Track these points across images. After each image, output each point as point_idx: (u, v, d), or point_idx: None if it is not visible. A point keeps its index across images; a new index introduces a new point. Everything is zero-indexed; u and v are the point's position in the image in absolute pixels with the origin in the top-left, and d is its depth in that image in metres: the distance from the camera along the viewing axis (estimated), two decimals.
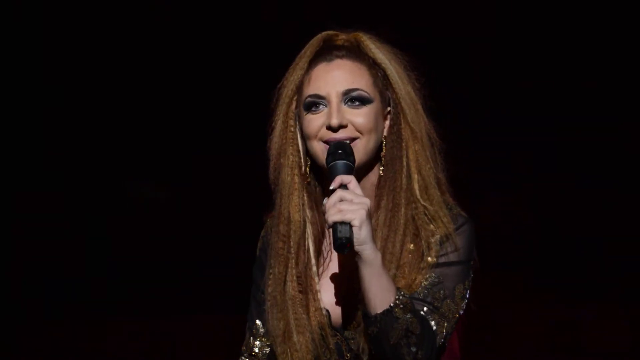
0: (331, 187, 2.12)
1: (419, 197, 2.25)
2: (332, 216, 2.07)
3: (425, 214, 2.26)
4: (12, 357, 6.16)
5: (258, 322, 2.41)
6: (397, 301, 2.12)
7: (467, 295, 2.27)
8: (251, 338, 2.43)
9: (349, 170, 2.16)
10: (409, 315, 2.12)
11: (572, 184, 5.99)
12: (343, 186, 2.12)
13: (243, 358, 2.43)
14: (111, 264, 6.20)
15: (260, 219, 2.49)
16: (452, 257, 2.24)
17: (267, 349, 2.39)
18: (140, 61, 5.88)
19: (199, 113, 6.04)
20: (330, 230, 2.11)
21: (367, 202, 2.10)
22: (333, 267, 2.33)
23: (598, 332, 5.96)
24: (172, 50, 5.85)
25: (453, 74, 5.72)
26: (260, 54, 5.71)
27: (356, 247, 2.09)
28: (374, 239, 2.12)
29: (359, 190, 2.11)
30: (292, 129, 2.29)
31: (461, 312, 2.26)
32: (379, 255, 2.12)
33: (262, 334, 2.40)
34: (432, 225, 2.25)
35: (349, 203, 2.08)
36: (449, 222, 2.25)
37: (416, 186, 2.26)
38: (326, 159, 2.18)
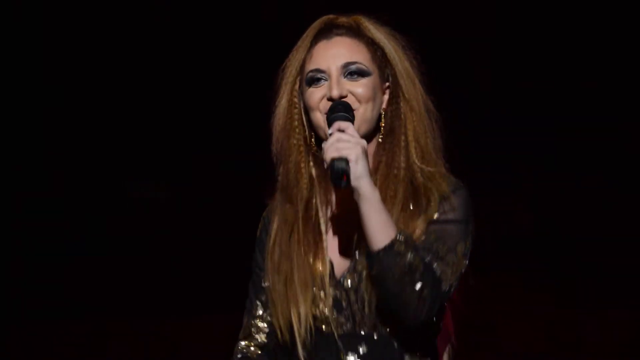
0: (329, 133, 2.23)
1: (415, 159, 2.36)
2: (330, 153, 2.18)
3: (422, 176, 2.35)
4: (12, 357, 6.17)
5: (257, 301, 2.45)
6: (399, 237, 2.19)
7: (468, 256, 2.31)
8: (250, 319, 2.45)
9: (347, 121, 2.27)
10: (411, 253, 2.19)
11: (572, 184, 5.99)
12: (340, 131, 2.23)
13: (240, 342, 2.44)
14: (111, 264, 6.20)
15: (259, 218, 2.50)
16: (452, 216, 2.31)
17: (267, 329, 2.42)
18: (140, 61, 5.88)
19: (199, 113, 6.04)
20: (328, 172, 2.21)
21: (363, 142, 2.21)
22: (338, 229, 2.38)
23: (598, 332, 5.96)
24: (172, 50, 5.85)
25: (453, 74, 5.72)
26: (260, 54, 5.71)
27: (353, 183, 2.18)
28: (371, 176, 2.22)
29: (356, 135, 2.22)
30: (296, 105, 2.39)
31: (463, 270, 2.30)
32: (377, 192, 2.21)
33: (260, 314, 2.43)
34: (430, 185, 2.34)
35: (345, 142, 2.18)
36: (446, 184, 2.34)
37: (413, 151, 2.36)
38: (327, 114, 2.29)
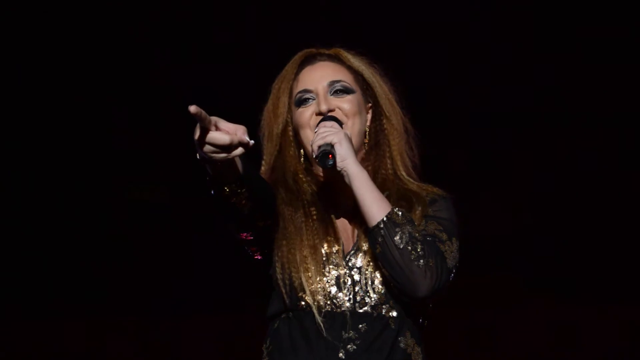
0: (315, 131, 2.42)
1: (401, 170, 2.54)
2: (316, 143, 2.36)
3: (410, 183, 2.53)
4: (11, 357, 6.17)
5: None
6: (396, 210, 2.33)
7: (458, 256, 2.42)
8: None
9: (332, 121, 2.45)
10: (410, 225, 2.31)
11: (572, 184, 5.99)
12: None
13: None
14: (111, 264, 6.20)
15: None
16: (445, 215, 2.46)
17: None
18: (140, 62, 5.88)
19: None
20: (317, 160, 2.37)
21: (346, 131, 2.41)
22: (341, 218, 2.50)
23: (598, 332, 5.96)
24: (172, 51, 5.85)
25: (453, 74, 5.72)
26: (260, 54, 5.72)
27: (339, 164, 2.35)
28: (356, 159, 2.38)
29: (338, 127, 2.41)
30: (290, 124, 2.55)
31: (457, 264, 2.41)
32: (365, 172, 2.37)
33: None
34: (419, 189, 2.51)
35: (328, 130, 2.38)
36: (435, 190, 2.53)
37: (399, 163, 2.54)
38: (317, 126, 2.46)
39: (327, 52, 2.59)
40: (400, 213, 2.32)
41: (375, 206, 2.33)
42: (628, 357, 5.91)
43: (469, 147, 5.85)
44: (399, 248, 2.28)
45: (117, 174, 6.16)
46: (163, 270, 6.18)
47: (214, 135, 2.06)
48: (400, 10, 5.53)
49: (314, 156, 2.37)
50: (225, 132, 2.07)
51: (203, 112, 2.02)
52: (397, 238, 2.29)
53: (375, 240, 2.31)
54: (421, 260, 2.28)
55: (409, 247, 2.28)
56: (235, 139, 2.06)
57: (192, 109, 2.00)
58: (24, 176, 6.05)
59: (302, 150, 2.54)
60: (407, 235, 2.29)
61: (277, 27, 5.58)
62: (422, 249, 2.29)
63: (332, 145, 2.34)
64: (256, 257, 2.45)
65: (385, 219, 2.31)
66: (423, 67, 5.45)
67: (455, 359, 5.86)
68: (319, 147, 2.35)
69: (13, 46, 5.72)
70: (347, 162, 2.35)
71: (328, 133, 2.36)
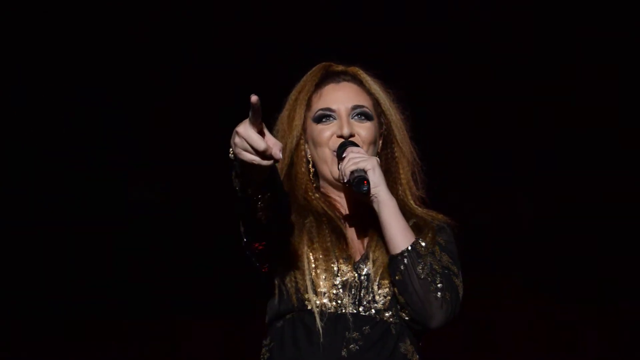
0: (343, 156, 2.45)
1: (409, 197, 2.59)
2: (349, 168, 2.40)
3: (417, 209, 2.58)
4: (12, 357, 6.18)
5: None
6: (420, 241, 2.40)
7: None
8: None
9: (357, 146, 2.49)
10: (431, 257, 2.38)
11: (572, 184, 5.99)
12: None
13: None
14: (110, 265, 6.20)
15: None
16: (452, 247, 2.52)
17: None
18: (139, 63, 5.88)
19: (198, 114, 6.05)
20: (349, 185, 2.41)
21: (376, 157, 2.46)
22: (353, 230, 2.55)
23: (597, 332, 5.97)
24: (171, 51, 5.86)
25: (453, 73, 5.73)
26: (260, 54, 5.72)
27: (372, 190, 2.39)
28: (387, 186, 2.43)
29: (366, 154, 2.46)
30: (303, 138, 2.60)
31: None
32: (394, 199, 2.43)
33: None
34: (425, 215, 2.56)
35: (360, 156, 2.42)
36: (440, 216, 2.58)
37: (407, 192, 2.59)
38: (336, 151, 2.51)
39: (346, 69, 2.62)
40: (423, 244, 2.39)
41: (401, 235, 2.39)
42: (628, 357, 5.91)
43: (469, 147, 5.86)
44: (420, 278, 2.35)
45: (117, 174, 6.16)
46: (162, 270, 6.18)
47: (253, 137, 2.08)
48: (400, 10, 5.54)
49: (345, 181, 2.42)
50: (265, 140, 2.09)
51: (260, 108, 2.05)
52: (419, 268, 2.36)
53: (397, 268, 2.38)
54: (439, 293, 2.36)
55: (429, 279, 2.36)
56: (270, 151, 2.08)
57: (254, 99, 2.03)
58: (23, 176, 6.06)
59: (310, 166, 2.58)
60: (429, 267, 2.37)
61: (277, 28, 5.59)
62: (440, 282, 2.37)
63: (365, 171, 2.39)
64: (263, 270, 2.49)
65: (409, 248, 2.37)
66: (424, 67, 5.46)
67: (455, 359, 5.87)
68: (352, 172, 2.39)
69: (12, 46, 5.73)
70: (379, 188, 2.41)
71: (361, 159, 2.41)
